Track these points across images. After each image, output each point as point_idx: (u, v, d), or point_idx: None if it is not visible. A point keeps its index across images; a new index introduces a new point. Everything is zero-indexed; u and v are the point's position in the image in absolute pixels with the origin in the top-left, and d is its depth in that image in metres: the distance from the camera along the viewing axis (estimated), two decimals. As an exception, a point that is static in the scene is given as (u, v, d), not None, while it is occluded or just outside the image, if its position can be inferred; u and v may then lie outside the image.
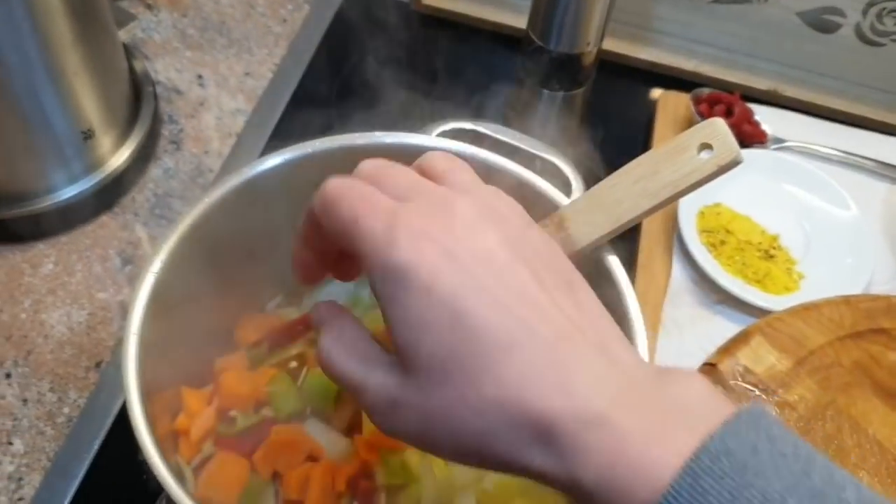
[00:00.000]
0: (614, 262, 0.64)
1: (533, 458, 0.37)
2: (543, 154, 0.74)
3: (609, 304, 0.62)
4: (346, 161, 0.68)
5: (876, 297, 0.79)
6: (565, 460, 0.35)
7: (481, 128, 0.75)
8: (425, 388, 0.38)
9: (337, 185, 0.44)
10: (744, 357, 0.73)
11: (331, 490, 0.63)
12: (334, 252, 0.51)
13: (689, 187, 0.61)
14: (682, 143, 0.62)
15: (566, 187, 0.75)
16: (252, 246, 0.70)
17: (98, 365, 0.78)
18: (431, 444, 0.40)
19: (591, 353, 0.38)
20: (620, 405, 0.36)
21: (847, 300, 0.78)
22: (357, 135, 0.68)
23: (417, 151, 0.68)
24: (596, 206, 0.63)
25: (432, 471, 0.63)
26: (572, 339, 0.39)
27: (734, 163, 0.61)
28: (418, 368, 0.39)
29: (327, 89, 0.96)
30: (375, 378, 0.41)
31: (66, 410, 0.75)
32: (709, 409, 0.35)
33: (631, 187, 0.62)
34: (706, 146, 0.61)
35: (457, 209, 0.41)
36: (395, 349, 0.40)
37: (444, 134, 0.73)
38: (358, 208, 0.42)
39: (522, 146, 0.74)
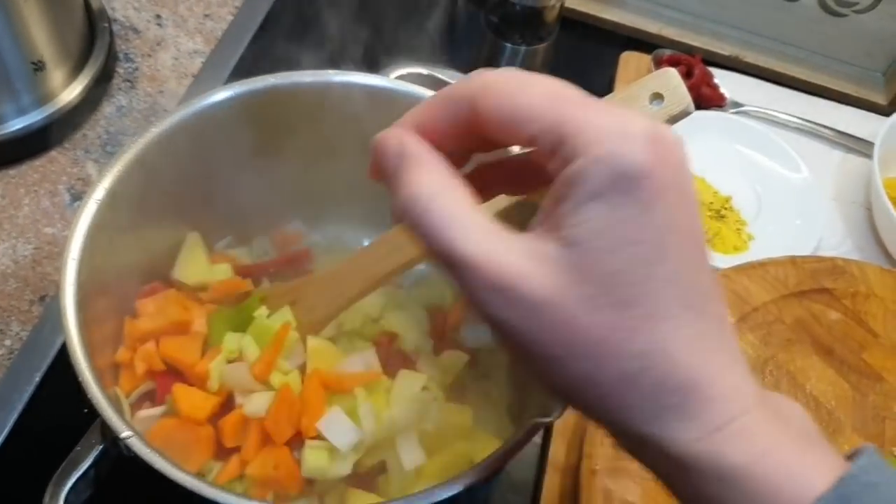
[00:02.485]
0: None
1: (665, 423, 0.34)
2: (499, 102, 0.74)
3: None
4: (298, 100, 0.69)
5: (821, 259, 0.80)
6: (711, 436, 0.34)
7: (439, 73, 0.74)
8: (592, 301, 0.33)
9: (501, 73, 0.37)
10: (687, 311, 0.73)
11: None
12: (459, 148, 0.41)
13: (638, 137, 0.62)
14: (633, 92, 0.62)
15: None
16: (201, 182, 0.69)
17: (42, 299, 0.77)
18: (550, 358, 0.34)
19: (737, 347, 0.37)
20: (762, 406, 0.35)
21: (793, 260, 0.79)
22: (310, 72, 0.67)
23: (373, 92, 0.69)
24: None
25: (372, 412, 0.64)
26: (729, 327, 0.37)
27: (685, 113, 0.61)
28: (594, 279, 0.33)
29: (288, 33, 0.95)
30: (539, 269, 0.34)
31: (7, 343, 0.74)
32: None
33: (582, 135, 0.62)
34: (657, 96, 0.61)
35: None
36: (567, 245, 0.34)
37: (402, 77, 0.73)
38: (561, 96, 0.36)
39: (478, 93, 0.74)
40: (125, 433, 0.51)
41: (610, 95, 0.63)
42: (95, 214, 0.60)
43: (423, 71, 0.74)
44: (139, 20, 0.97)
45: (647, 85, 0.61)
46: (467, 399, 0.71)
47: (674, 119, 0.61)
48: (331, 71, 0.67)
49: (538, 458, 0.74)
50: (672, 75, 0.62)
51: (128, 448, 0.51)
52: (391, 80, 0.70)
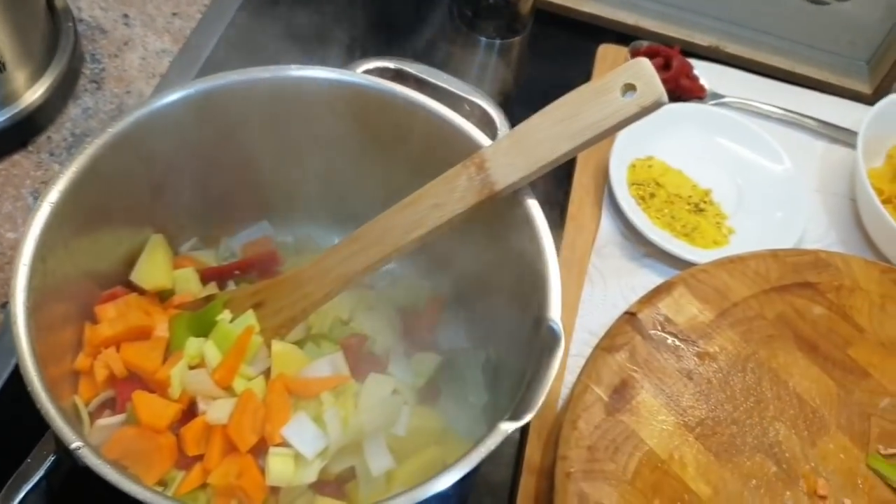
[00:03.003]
0: (533, 206, 0.62)
1: None
2: (470, 96, 0.72)
3: (525, 247, 0.62)
4: (260, 97, 0.66)
5: (803, 252, 0.78)
6: None
7: (407, 67, 0.72)
8: None
9: None
10: (665, 307, 0.71)
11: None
12: None
13: (610, 128, 0.60)
14: (606, 83, 0.60)
15: (493, 131, 0.73)
16: (163, 182, 0.67)
17: (4, 305, 0.75)
18: None
19: None
20: None
21: (774, 254, 0.77)
22: (270, 67, 0.65)
23: (339, 87, 0.67)
24: (517, 147, 0.61)
25: (338, 417, 0.62)
26: None
27: (657, 104, 0.59)
28: None
29: (258, 30, 0.93)
30: None
31: (-33, 351, 0.72)
32: None
33: (552, 128, 0.61)
34: (630, 87, 0.59)
35: None
36: None
37: (368, 72, 0.71)
38: None
39: (448, 87, 0.72)
40: (75, 444, 0.49)
41: (582, 86, 0.61)
42: (49, 218, 0.58)
43: (391, 65, 0.72)
44: (106, 20, 0.95)
45: (619, 76, 0.60)
46: (440, 402, 0.69)
47: (646, 110, 0.59)
48: (292, 66, 0.65)
49: (514, 458, 0.72)
50: (644, 66, 0.60)
51: (80, 459, 0.49)
52: (358, 74, 0.68)
